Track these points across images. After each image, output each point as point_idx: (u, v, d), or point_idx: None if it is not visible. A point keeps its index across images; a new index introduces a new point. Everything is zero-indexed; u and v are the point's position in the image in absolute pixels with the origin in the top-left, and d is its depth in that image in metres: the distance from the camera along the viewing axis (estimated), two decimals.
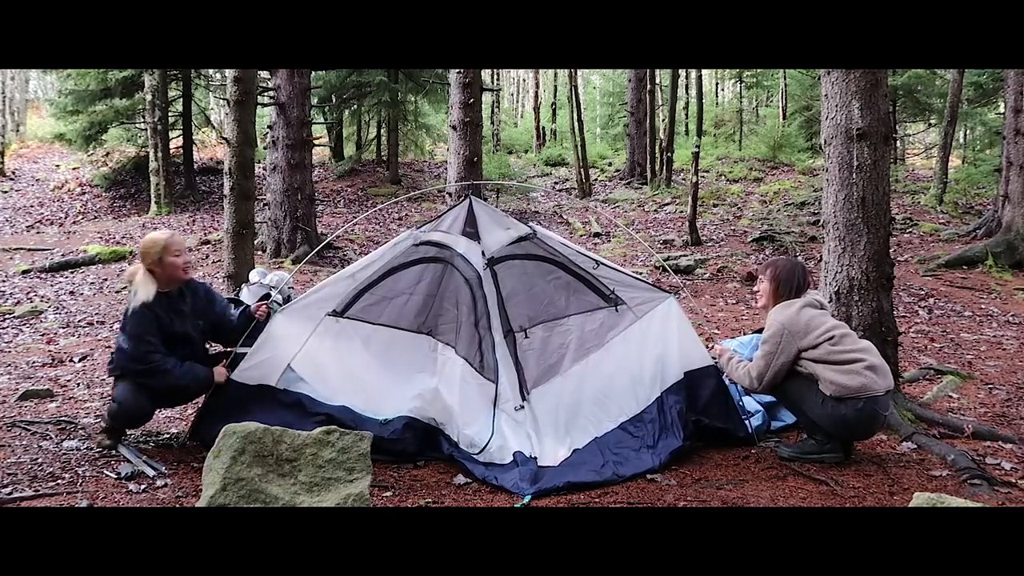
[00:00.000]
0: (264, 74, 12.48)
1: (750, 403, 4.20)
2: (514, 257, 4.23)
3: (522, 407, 3.99)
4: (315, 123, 16.20)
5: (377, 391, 3.97)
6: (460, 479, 3.51)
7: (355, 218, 13.67)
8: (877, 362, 3.53)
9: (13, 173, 18.33)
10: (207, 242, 11.62)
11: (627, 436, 3.82)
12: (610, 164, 19.83)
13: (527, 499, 3.21)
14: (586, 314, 4.17)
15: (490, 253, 4.20)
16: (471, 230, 4.21)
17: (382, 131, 18.42)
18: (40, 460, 3.51)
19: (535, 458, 3.63)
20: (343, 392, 3.92)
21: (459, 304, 4.17)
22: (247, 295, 4.37)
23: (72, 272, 10.43)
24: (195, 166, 16.59)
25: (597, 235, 12.45)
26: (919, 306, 7.72)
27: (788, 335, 3.59)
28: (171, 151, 15.29)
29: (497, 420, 3.90)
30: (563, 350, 4.14)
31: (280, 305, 4.08)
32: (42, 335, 7.16)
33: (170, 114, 15.52)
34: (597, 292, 4.17)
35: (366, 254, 4.86)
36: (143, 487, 3.24)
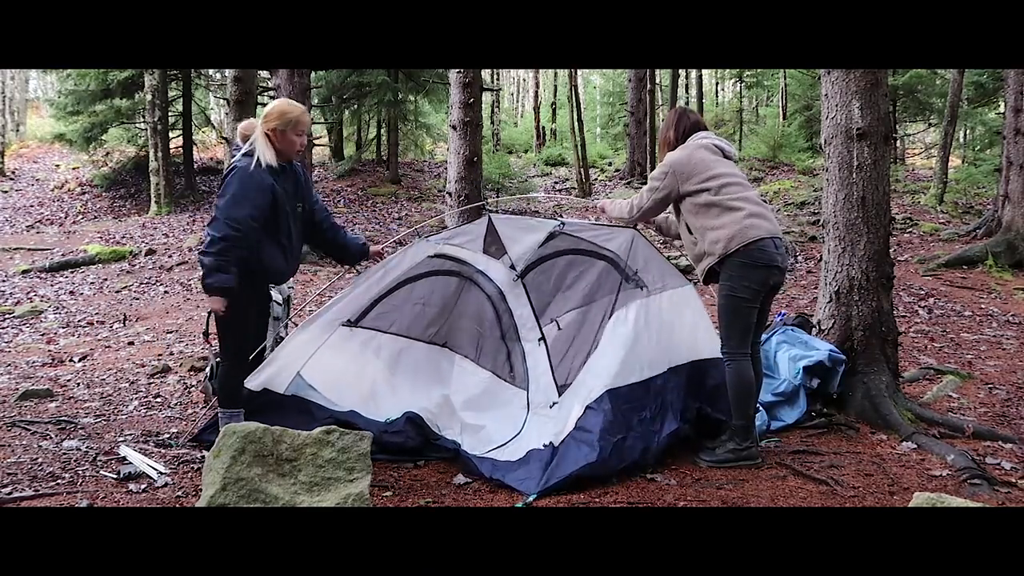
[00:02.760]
0: (264, 74, 12.48)
1: None
2: (544, 259, 4.23)
3: (556, 403, 3.98)
4: (315, 123, 16.19)
5: (386, 399, 3.99)
6: (460, 479, 3.51)
7: (355, 218, 13.67)
8: (760, 211, 3.56)
9: (13, 173, 18.34)
10: None
11: (634, 398, 3.72)
12: (610, 164, 19.82)
13: (530, 498, 3.20)
14: (612, 295, 4.11)
15: (520, 264, 4.20)
16: (493, 248, 4.20)
17: (382, 131, 18.41)
18: (40, 460, 3.52)
19: (551, 444, 3.55)
20: (352, 399, 3.93)
21: (481, 320, 4.21)
22: None
23: (72, 272, 10.43)
24: (195, 166, 16.58)
25: None
26: (919, 306, 7.72)
27: (672, 175, 3.61)
28: (171, 151, 15.28)
29: (529, 423, 3.91)
30: (592, 332, 4.10)
31: (280, 306, 4.08)
32: (42, 335, 7.16)
33: (170, 114, 15.51)
34: (624, 275, 4.10)
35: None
36: (143, 487, 3.24)
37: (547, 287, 4.24)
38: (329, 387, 3.90)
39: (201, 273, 3.38)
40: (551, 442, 3.58)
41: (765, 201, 14.81)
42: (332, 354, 3.94)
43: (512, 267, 4.21)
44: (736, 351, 3.60)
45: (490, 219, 4.21)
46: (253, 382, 3.73)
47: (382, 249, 4.14)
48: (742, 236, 3.47)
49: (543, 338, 4.18)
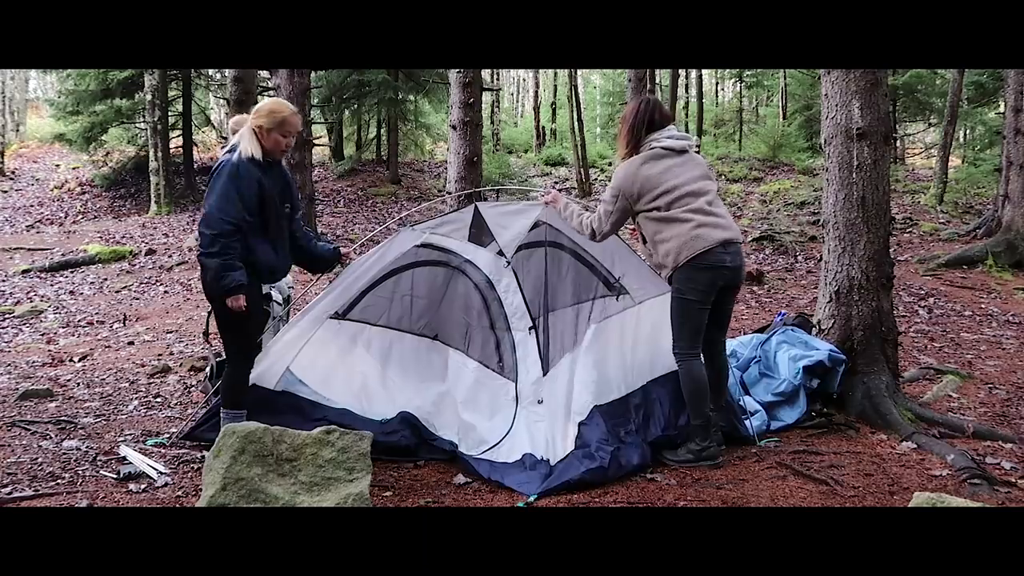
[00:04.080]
0: (264, 74, 12.47)
1: (750, 403, 4.19)
2: (531, 245, 4.16)
3: (542, 400, 3.94)
4: (315, 123, 16.19)
5: (378, 395, 3.97)
6: (460, 479, 3.51)
7: (355, 218, 13.67)
8: (708, 220, 3.54)
9: (13, 173, 18.33)
10: None
11: (616, 414, 3.79)
12: (610, 164, 19.80)
13: (532, 498, 3.20)
14: (592, 302, 4.10)
15: (510, 250, 4.12)
16: (479, 236, 4.16)
17: (382, 131, 18.41)
18: (40, 460, 3.52)
19: (547, 460, 3.56)
20: (343, 395, 3.90)
21: (468, 309, 4.16)
22: None
23: (72, 272, 10.42)
24: (195, 166, 16.57)
25: None
26: (919, 306, 7.71)
27: (622, 198, 3.61)
28: (171, 151, 15.28)
29: (518, 418, 3.87)
30: (571, 337, 4.08)
31: (280, 306, 4.08)
32: (42, 335, 7.16)
33: (170, 114, 15.51)
34: (604, 281, 4.09)
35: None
36: (143, 487, 3.24)
37: (533, 277, 4.15)
38: (319, 382, 3.88)
39: (210, 276, 3.32)
40: (547, 459, 3.57)
41: (764, 201, 14.74)
42: (321, 348, 3.91)
43: (501, 253, 4.13)
44: (686, 351, 3.62)
45: (476, 207, 4.15)
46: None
47: (352, 251, 4.13)
48: (690, 249, 3.50)
49: (534, 327, 4.08)
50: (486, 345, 4.12)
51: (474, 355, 4.11)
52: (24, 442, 3.79)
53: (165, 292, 9.23)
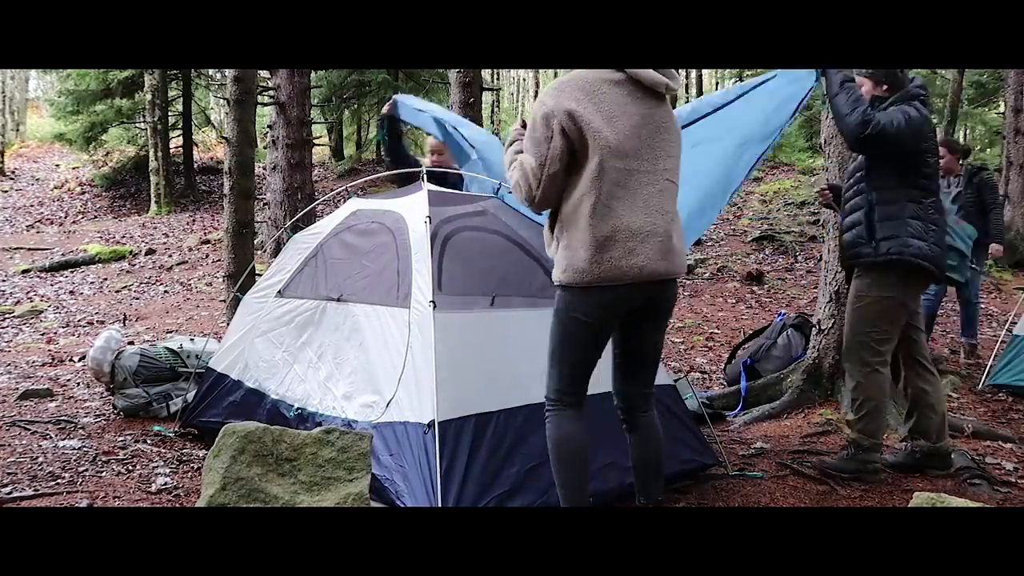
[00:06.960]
0: (264, 74, 12.46)
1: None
2: (467, 228, 3.61)
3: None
4: (315, 123, 16.18)
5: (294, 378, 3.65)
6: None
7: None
8: None
9: (13, 173, 18.35)
10: (207, 242, 11.63)
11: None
12: None
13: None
14: (540, 298, 3.43)
15: (436, 220, 3.43)
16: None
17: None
18: (40, 459, 3.52)
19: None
20: (283, 381, 3.65)
21: (380, 259, 3.64)
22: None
23: (72, 271, 10.43)
24: (195, 166, 16.59)
25: None
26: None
27: None
28: (171, 151, 15.29)
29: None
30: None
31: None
32: (42, 335, 7.17)
33: (170, 114, 15.52)
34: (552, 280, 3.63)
35: None
36: (153, 488, 3.24)
37: (469, 254, 3.53)
38: (266, 371, 3.73)
39: None
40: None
41: (764, 200, 14.66)
42: (269, 330, 3.81)
43: (428, 219, 3.43)
44: None
45: (428, 192, 3.58)
46: (215, 364, 3.93)
47: None
48: None
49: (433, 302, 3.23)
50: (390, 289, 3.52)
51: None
52: (24, 442, 3.79)
53: (165, 292, 9.23)
